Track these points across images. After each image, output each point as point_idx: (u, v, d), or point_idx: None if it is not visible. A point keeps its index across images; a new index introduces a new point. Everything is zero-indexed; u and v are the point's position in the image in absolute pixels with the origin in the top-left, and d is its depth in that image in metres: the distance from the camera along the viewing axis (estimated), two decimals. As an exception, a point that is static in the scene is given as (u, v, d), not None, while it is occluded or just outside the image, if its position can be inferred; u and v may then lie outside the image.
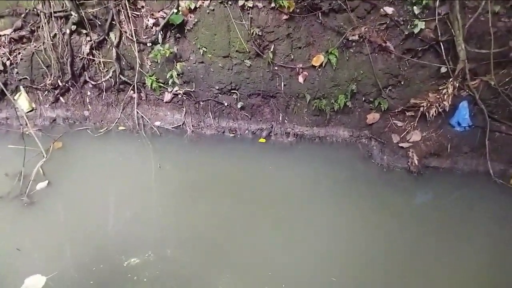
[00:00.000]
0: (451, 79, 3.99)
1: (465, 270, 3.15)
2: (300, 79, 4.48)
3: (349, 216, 3.69)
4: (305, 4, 4.11)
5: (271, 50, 4.32)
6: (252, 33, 4.22)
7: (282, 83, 4.52)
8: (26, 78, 4.76)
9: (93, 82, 4.78)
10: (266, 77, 4.50)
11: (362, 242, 3.39)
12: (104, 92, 4.84)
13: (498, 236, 3.49)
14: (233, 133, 4.77)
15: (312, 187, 4.07)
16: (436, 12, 3.89)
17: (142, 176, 4.16)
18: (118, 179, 4.09)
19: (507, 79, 4.00)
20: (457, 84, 3.97)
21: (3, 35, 4.60)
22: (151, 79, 4.63)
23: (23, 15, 4.51)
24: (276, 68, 4.46)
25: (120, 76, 4.69)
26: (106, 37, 4.55)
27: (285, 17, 4.18)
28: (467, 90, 4.09)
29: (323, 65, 4.36)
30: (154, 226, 3.57)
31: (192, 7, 4.27)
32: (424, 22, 3.94)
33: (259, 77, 4.51)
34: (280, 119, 4.72)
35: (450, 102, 3.98)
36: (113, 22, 4.49)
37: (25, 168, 3.93)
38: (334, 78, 4.40)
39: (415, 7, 3.94)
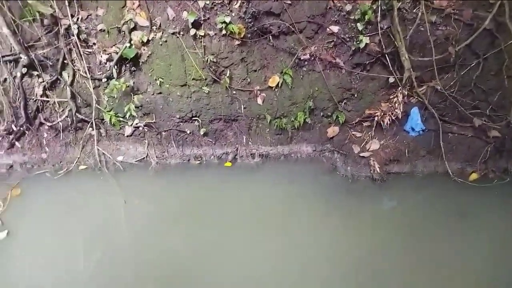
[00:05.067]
0: (399, 88, 4.19)
1: (434, 266, 3.39)
2: (259, 101, 4.55)
3: (320, 228, 3.81)
4: (255, 28, 4.22)
5: (227, 75, 4.38)
6: (207, 60, 4.27)
7: (242, 106, 4.57)
8: (-23, 126, 4.56)
9: (49, 124, 4.63)
10: (225, 101, 4.54)
11: (335, 252, 3.55)
12: (62, 132, 4.70)
13: (460, 230, 3.75)
14: (198, 160, 4.73)
15: (281, 205, 4.10)
16: (379, 27, 4.09)
17: (109, 214, 4.04)
18: (83, 221, 3.94)
19: (451, 83, 4.24)
20: (406, 92, 4.18)
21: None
22: (109, 114, 4.56)
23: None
24: (234, 92, 4.51)
25: (77, 114, 4.59)
26: (59, 77, 4.47)
27: (237, 42, 4.26)
28: (416, 97, 4.29)
29: (280, 85, 4.46)
30: (126, 264, 3.45)
31: (145, 40, 4.28)
32: (368, 37, 4.13)
33: (219, 103, 4.55)
34: (244, 141, 4.75)
35: (401, 110, 4.17)
36: (65, 61, 4.42)
37: (-19, 220, 3.75)
38: (291, 97, 4.51)
39: (358, 24, 4.13)
